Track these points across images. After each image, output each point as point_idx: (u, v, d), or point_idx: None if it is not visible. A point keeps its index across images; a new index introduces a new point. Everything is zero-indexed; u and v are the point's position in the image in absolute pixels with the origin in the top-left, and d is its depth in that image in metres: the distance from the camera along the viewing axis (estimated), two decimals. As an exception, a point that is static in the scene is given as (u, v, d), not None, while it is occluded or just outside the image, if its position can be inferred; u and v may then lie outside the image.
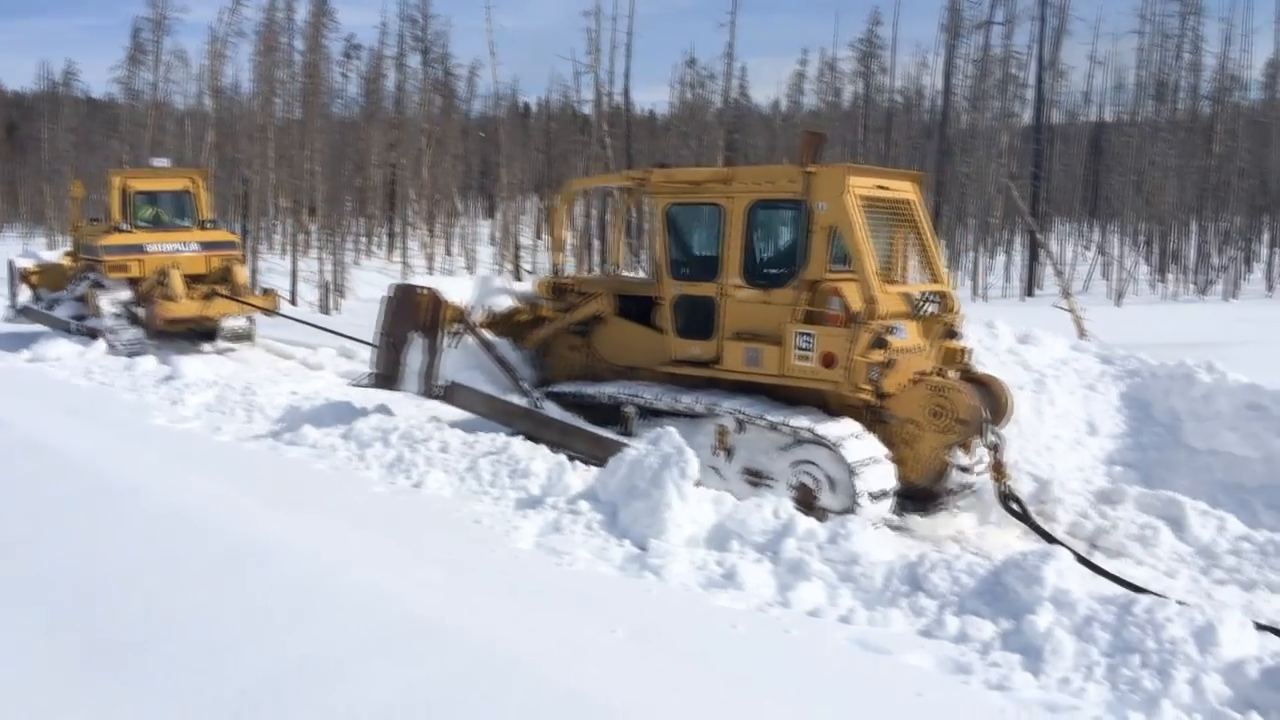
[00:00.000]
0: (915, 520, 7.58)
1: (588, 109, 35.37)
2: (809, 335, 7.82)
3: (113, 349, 15.86)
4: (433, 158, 41.74)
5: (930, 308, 8.32)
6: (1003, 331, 10.33)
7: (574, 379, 9.51)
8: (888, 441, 7.76)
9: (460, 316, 9.62)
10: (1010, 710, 4.49)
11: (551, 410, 9.10)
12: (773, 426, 7.78)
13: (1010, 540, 7.14)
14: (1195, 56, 37.33)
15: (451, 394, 9.59)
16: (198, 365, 13.72)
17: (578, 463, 7.94)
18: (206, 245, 17.09)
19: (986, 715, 4.45)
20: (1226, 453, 8.18)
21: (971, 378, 8.18)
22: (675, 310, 8.77)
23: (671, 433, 7.18)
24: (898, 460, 7.70)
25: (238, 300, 16.68)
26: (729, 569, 6.06)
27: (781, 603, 5.70)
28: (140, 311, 16.38)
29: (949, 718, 4.42)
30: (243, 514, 6.99)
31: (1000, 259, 35.26)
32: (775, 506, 6.63)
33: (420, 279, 10.48)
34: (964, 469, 7.70)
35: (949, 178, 35.47)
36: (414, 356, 9.69)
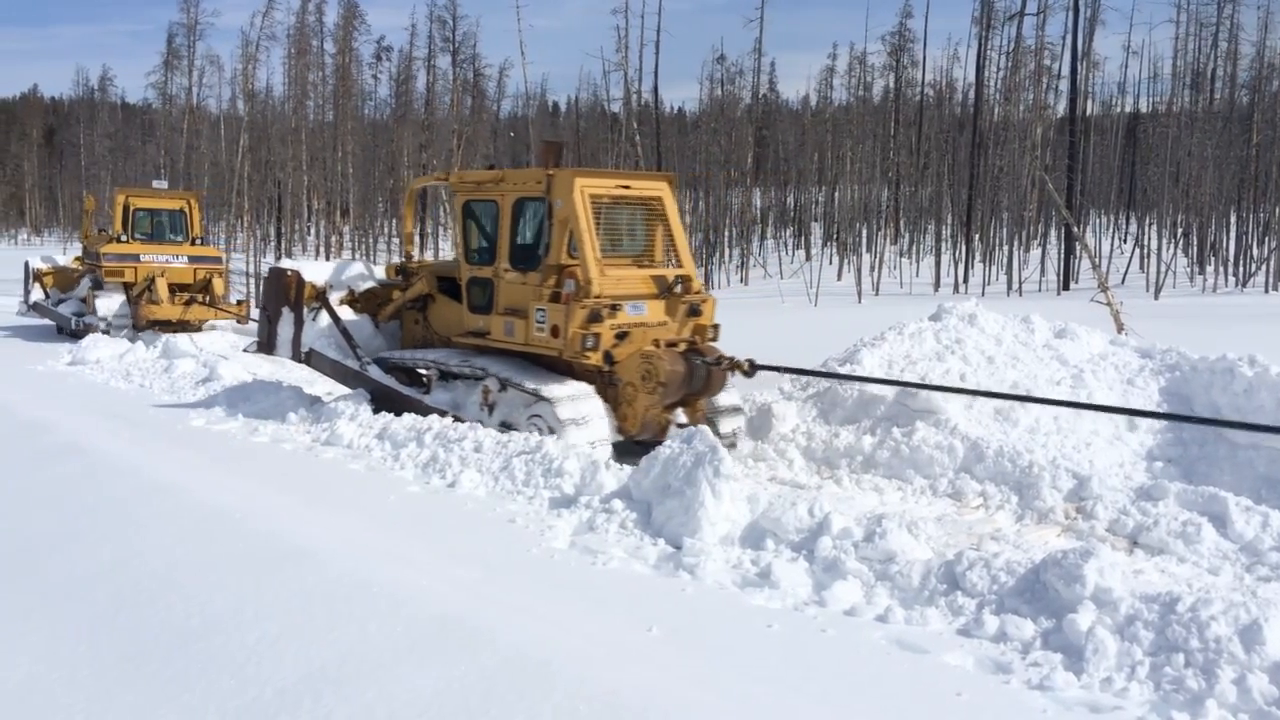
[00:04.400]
0: (954, 519, 7.51)
1: (617, 107, 35.37)
2: (544, 310, 9.34)
3: (105, 332, 18.53)
4: (463, 158, 41.91)
5: (679, 288, 9.66)
6: (1039, 326, 10.20)
7: (414, 347, 11.07)
8: (615, 401, 9.22)
9: (319, 294, 11.15)
10: (1052, 710, 4.43)
11: (374, 373, 10.73)
12: (518, 387, 9.32)
13: (1050, 538, 7.04)
14: (1232, 45, 36.78)
15: (310, 359, 11.23)
16: (235, 369, 13.88)
17: (609, 462, 7.94)
18: (194, 259, 19.88)
19: (1028, 715, 4.40)
20: (1269, 447, 8.02)
21: (698, 350, 9.41)
22: (469, 290, 10.32)
23: (705, 431, 7.18)
24: (621, 417, 9.21)
25: (215, 308, 19.54)
26: (764, 568, 6.02)
27: (817, 602, 5.66)
28: (129, 310, 19.21)
29: (989, 718, 4.37)
30: (280, 514, 7.04)
31: (1035, 253, 34.86)
32: (810, 505, 6.59)
33: (288, 262, 11.98)
34: (683, 426, 9.10)
35: (981, 171, 35.14)
36: (284, 328, 11.27)
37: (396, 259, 12.34)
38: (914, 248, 42.24)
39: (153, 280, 18.98)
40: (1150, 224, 35.07)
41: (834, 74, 52.85)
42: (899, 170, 42.97)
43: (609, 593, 5.75)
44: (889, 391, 9.31)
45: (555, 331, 9.21)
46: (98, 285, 19.66)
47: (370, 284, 11.46)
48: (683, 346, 9.44)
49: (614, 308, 9.14)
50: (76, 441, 9.60)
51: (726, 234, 43.02)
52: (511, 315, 9.72)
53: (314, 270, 11.36)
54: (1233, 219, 34.60)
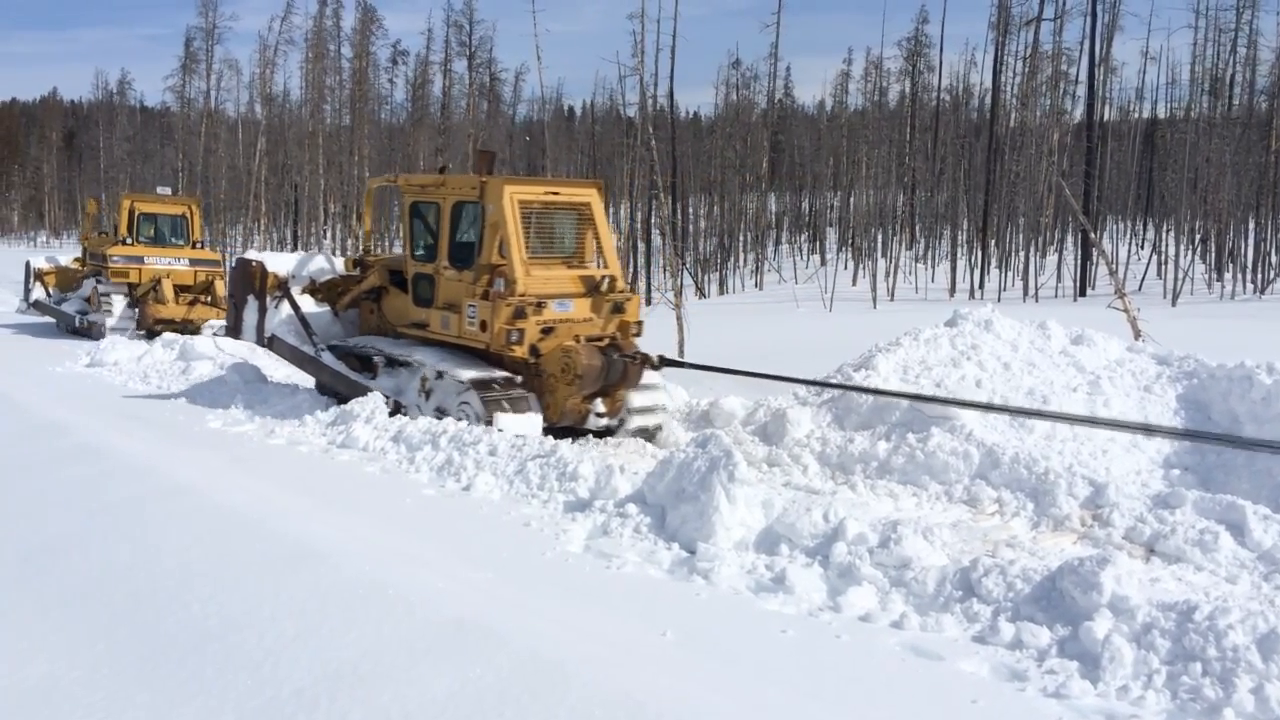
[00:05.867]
0: (969, 526, 7.48)
1: (632, 111, 35.38)
2: (475, 306, 10.10)
3: (111, 332, 19.37)
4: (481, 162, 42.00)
5: (606, 286, 10.40)
6: (1056, 332, 10.16)
7: (369, 335, 11.74)
8: (540, 390, 10.04)
9: (281, 284, 11.91)
10: (1068, 718, 4.41)
11: (326, 359, 11.45)
12: (451, 376, 10.03)
13: (1066, 545, 7.01)
14: (1251, 50, 36.55)
15: (272, 344, 11.98)
16: (252, 372, 13.90)
17: (623, 466, 7.94)
18: (195, 262, 21.05)
19: (1043, 723, 4.38)
20: (1288, 456, 7.96)
21: (616, 345, 10.19)
22: (414, 284, 11.07)
23: (720, 436, 7.18)
24: (545, 405, 10.00)
25: (217, 308, 20.15)
26: (778, 573, 6.02)
27: (832, 607, 5.65)
28: (135, 310, 20.20)
29: (1005, 726, 4.35)
30: (296, 516, 7.06)
31: (1051, 259, 34.71)
32: (825, 510, 6.58)
33: (254, 253, 12.75)
34: (600, 415, 10.14)
35: (998, 176, 35.02)
36: (249, 315, 12.06)
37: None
38: (929, 253, 42.11)
39: (159, 282, 20.15)
40: (1168, 230, 34.86)
41: (849, 79, 52.77)
42: (915, 175, 42.87)
43: (623, 597, 5.75)
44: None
45: (484, 326, 9.98)
46: (102, 284, 20.70)
47: (330, 276, 12.23)
48: (606, 342, 10.24)
49: (540, 305, 9.94)
50: (94, 442, 9.66)
51: (742, 239, 42.98)
52: (449, 309, 10.53)
53: (277, 261, 12.17)
54: (1251, 226, 34.36)
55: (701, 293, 35.10)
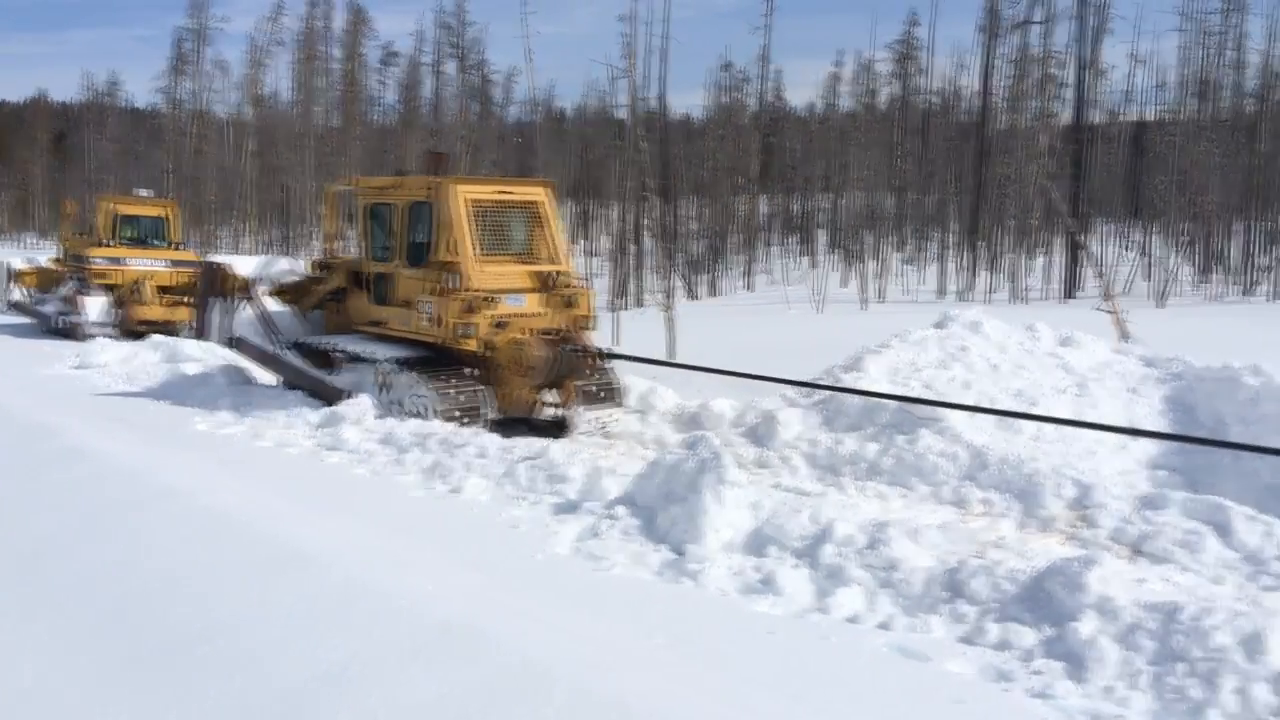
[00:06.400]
0: (957, 527, 7.49)
1: (623, 114, 35.41)
2: (429, 303, 10.48)
3: (90, 336, 19.17)
4: (470, 164, 41.99)
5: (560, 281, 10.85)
6: (1044, 334, 10.20)
7: (333, 334, 11.99)
8: (493, 382, 10.39)
9: (245, 286, 12.33)
10: (1053, 718, 4.43)
11: (289, 356, 11.85)
12: (405, 371, 10.42)
13: (1053, 546, 7.04)
14: (1238, 54, 36.73)
15: (237, 344, 12.33)
16: (239, 374, 13.87)
17: (613, 468, 7.94)
18: (175, 263, 20.95)
19: (1029, 724, 4.40)
20: (1274, 457, 8.00)
21: (565, 338, 10.55)
22: (372, 283, 11.49)
23: (709, 438, 7.19)
24: (499, 397, 10.38)
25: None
26: (767, 575, 6.03)
27: (820, 609, 5.67)
28: (117, 311, 20.13)
29: (991, 726, 4.37)
30: (284, 519, 7.06)
31: (1040, 260, 34.84)
32: (814, 512, 6.59)
33: (220, 257, 13.78)
34: (552, 405, 10.60)
35: (987, 179, 35.12)
36: (215, 316, 12.53)
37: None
38: (920, 255, 42.21)
39: (140, 283, 20.23)
40: (1156, 232, 35.02)
41: (840, 81, 52.87)
42: (905, 177, 42.97)
43: (612, 599, 5.76)
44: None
45: (438, 321, 10.39)
46: (82, 285, 20.85)
47: (295, 278, 12.63)
48: (558, 335, 10.63)
49: (490, 300, 10.32)
50: (81, 445, 9.62)
51: (733, 241, 43.03)
52: (405, 306, 10.93)
53: (242, 265, 12.80)
54: (1238, 228, 34.53)
55: (692, 295, 35.13)
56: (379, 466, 8.78)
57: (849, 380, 9.79)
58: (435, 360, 10.57)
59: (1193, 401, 8.99)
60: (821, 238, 47.37)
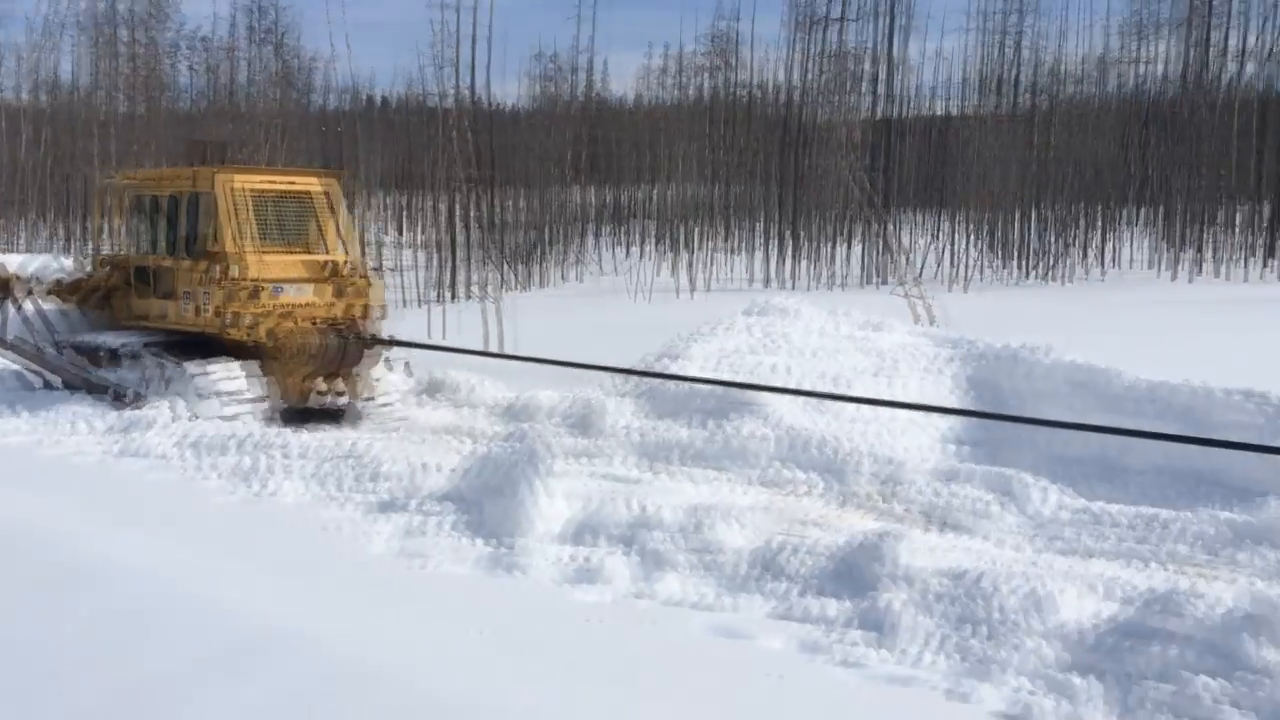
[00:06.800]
0: (774, 507, 7.68)
1: (443, 102, 34.79)
2: (199, 293, 10.44)
3: None
4: (285, 152, 40.43)
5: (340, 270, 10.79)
6: (854, 319, 10.62)
7: (113, 330, 11.62)
8: (272, 372, 10.29)
9: (14, 285, 11.81)
10: (862, 686, 4.64)
11: (67, 355, 11.43)
12: (178, 363, 10.26)
13: (862, 521, 7.33)
14: (1033, 53, 39.11)
15: (10, 345, 11.71)
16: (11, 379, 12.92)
17: (439, 465, 7.81)
18: None
19: (840, 693, 4.59)
20: (1063, 430, 8.57)
21: (343, 327, 10.58)
22: (145, 277, 11.32)
23: (532, 429, 7.18)
24: (280, 386, 10.30)
25: None
26: (590, 563, 6.08)
27: (642, 593, 5.75)
28: None
29: (804, 699, 4.53)
30: (85, 532, 6.63)
31: (849, 249, 36.28)
32: (637, 499, 6.67)
33: None
34: (322, 393, 10.46)
35: (801, 171, 36.29)
36: None
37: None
38: (740, 245, 43.26)
39: None
40: (958, 221, 36.99)
41: (656, 73, 53.48)
42: (727, 169, 43.96)
43: (434, 596, 5.69)
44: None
45: (213, 311, 10.36)
46: None
47: (63, 275, 12.23)
48: (341, 325, 10.65)
49: (261, 290, 10.26)
50: None
51: (557, 231, 43.00)
52: (181, 299, 10.82)
53: (19, 263, 12.23)
54: (1027, 215, 36.84)
55: (518, 286, 34.94)
56: (184, 472, 8.35)
57: (672, 368, 9.94)
58: (211, 350, 10.44)
59: (989, 378, 9.55)
60: (645, 228, 47.89)
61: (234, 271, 10.19)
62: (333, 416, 10.55)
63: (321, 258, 10.90)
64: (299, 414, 10.35)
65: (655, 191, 48.98)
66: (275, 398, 10.30)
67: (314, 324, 10.51)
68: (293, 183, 11.18)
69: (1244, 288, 26.62)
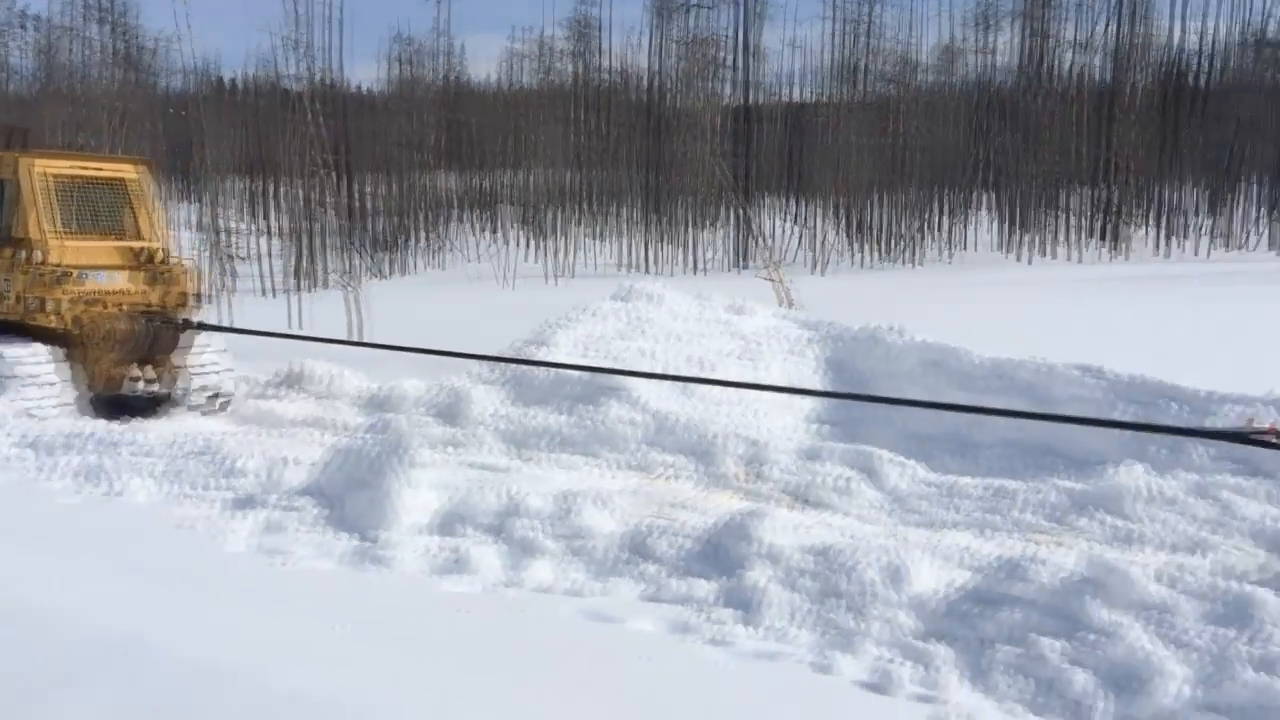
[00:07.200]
0: (642, 491, 7.74)
1: (296, 85, 33.68)
2: (8, 280, 10.30)
3: None
4: (127, 136, 38.48)
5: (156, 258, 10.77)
6: (718, 303, 10.77)
7: None
8: (83, 360, 10.15)
9: None
10: (730, 663, 4.73)
11: None
12: None
13: (729, 502, 7.46)
14: (880, 42, 40.29)
15: None
16: None
17: (297, 459, 7.60)
18: None
19: (708, 671, 4.67)
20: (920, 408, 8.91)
21: (155, 313, 10.48)
22: None
23: (395, 419, 7.05)
24: (89, 374, 10.14)
25: None
26: (458, 554, 6.01)
27: (512, 582, 5.73)
28: None
29: (674, 679, 4.59)
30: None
31: (712, 234, 36.80)
32: (505, 487, 6.62)
33: None
34: (135, 380, 10.25)
35: (664, 156, 36.58)
36: None
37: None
38: (604, 230, 43.35)
39: None
40: (816, 206, 37.90)
41: (519, 56, 53.02)
42: (590, 154, 43.92)
43: (295, 594, 5.54)
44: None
45: (14, 298, 10.24)
46: None
47: None
48: (153, 311, 10.52)
49: (69, 276, 10.12)
50: None
51: (418, 218, 42.23)
52: None
53: None
54: (879, 201, 38.04)
55: (379, 274, 34.20)
56: (21, 473, 7.88)
57: (540, 354, 9.89)
58: (16, 337, 10.12)
59: (846, 358, 9.84)
60: (508, 214, 47.48)
61: (38, 257, 10.09)
62: (149, 405, 10.33)
63: (135, 244, 10.84)
64: (113, 404, 10.12)
65: (519, 177, 48.58)
66: (83, 385, 10.09)
67: (122, 310, 10.35)
68: (101, 169, 11.04)
69: (1081, 268, 28.16)
